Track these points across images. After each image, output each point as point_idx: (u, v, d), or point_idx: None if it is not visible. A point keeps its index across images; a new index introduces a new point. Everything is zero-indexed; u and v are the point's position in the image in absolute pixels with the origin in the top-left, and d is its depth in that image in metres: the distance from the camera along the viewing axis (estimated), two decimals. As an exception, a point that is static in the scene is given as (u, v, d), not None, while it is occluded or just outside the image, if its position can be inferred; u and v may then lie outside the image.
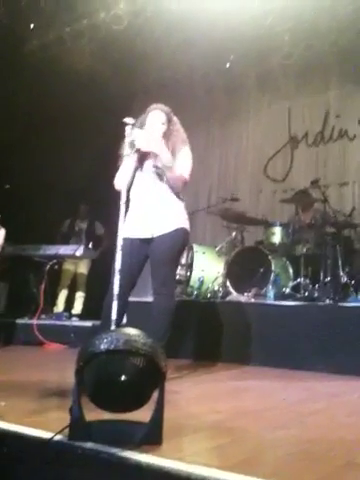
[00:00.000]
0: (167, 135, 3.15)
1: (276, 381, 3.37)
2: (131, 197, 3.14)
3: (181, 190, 3.18)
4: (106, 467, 1.54)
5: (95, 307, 3.84)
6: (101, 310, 3.01)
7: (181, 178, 3.12)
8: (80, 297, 6.42)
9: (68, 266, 6.36)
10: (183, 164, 3.13)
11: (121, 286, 2.58)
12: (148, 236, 3.10)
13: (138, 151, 2.99)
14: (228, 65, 6.52)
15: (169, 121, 3.17)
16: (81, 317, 6.13)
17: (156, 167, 3.10)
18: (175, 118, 3.23)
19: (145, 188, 3.14)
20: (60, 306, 6.29)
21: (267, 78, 6.74)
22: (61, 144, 6.32)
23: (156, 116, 3.15)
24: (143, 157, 3.12)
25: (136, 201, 3.15)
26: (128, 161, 3.00)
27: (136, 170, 3.12)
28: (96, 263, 6.19)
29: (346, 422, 2.20)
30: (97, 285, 5.83)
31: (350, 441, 1.85)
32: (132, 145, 2.92)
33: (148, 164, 3.14)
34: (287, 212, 5.89)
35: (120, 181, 3.03)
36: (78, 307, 6.38)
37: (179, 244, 3.17)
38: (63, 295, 6.36)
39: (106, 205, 6.16)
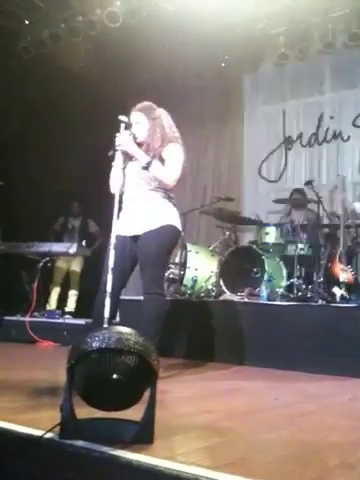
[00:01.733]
0: (150, 132, 3.10)
1: (268, 382, 3.37)
2: (124, 196, 3.14)
3: (170, 189, 3.13)
4: (97, 465, 1.53)
5: (89, 305, 3.82)
6: (93, 308, 3.00)
7: (168, 179, 3.06)
8: (73, 295, 6.41)
9: (61, 264, 6.34)
10: (170, 163, 3.07)
11: (113, 284, 2.58)
12: (135, 233, 3.10)
13: (121, 151, 2.97)
14: (223, 65, 6.52)
15: (148, 117, 3.11)
16: (74, 315, 6.11)
17: (142, 167, 3.05)
18: (158, 112, 3.16)
19: (132, 187, 3.14)
20: (52, 304, 6.27)
21: (262, 79, 6.76)
22: (54, 142, 6.31)
23: (134, 117, 3.12)
24: (129, 156, 3.09)
25: (126, 200, 3.15)
26: (116, 162, 2.98)
27: (124, 169, 3.10)
28: (89, 261, 6.17)
29: (337, 424, 2.20)
30: (90, 283, 5.82)
31: (341, 443, 1.86)
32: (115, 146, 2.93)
33: (134, 163, 3.12)
34: (281, 212, 5.90)
35: (112, 183, 3.07)
36: (71, 305, 6.37)
37: (166, 241, 3.10)
38: (55, 293, 6.34)
39: (99, 202, 6.14)
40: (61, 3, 5.69)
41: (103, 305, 2.55)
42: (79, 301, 6.35)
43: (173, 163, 3.09)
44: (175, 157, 3.10)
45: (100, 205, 6.10)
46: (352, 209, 5.18)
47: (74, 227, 6.59)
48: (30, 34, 6.12)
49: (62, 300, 6.38)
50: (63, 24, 5.96)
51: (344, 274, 4.47)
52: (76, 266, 6.40)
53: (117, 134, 2.93)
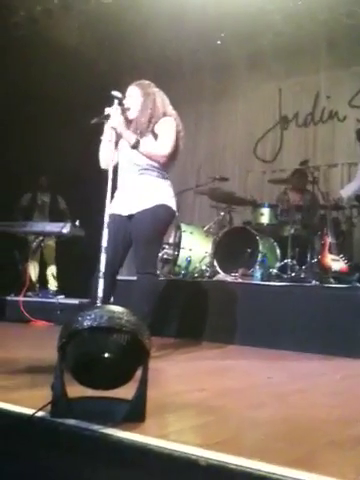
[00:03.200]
0: (141, 107, 3.06)
1: (260, 361, 3.39)
2: (118, 174, 3.12)
3: (163, 166, 3.07)
4: (88, 444, 1.53)
5: (81, 284, 3.81)
6: (86, 287, 3.00)
7: (158, 155, 3.01)
8: (51, 273, 6.22)
9: (51, 242, 6.19)
10: (161, 138, 3.02)
11: (107, 264, 2.57)
12: (130, 213, 3.07)
13: (113, 128, 2.92)
14: (219, 42, 6.43)
15: (142, 92, 3.08)
16: (66, 294, 6.07)
17: (131, 148, 3.01)
18: (153, 90, 3.12)
19: (125, 164, 3.11)
20: (34, 281, 6.01)
21: (258, 57, 6.67)
22: (34, 119, 6.09)
23: (130, 91, 3.10)
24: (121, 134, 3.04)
25: (120, 178, 3.13)
26: (105, 135, 2.98)
27: (116, 144, 3.05)
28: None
29: (328, 402, 2.22)
30: (70, 260, 5.76)
31: (331, 421, 1.87)
32: (106, 121, 2.90)
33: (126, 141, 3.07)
34: (276, 193, 5.88)
35: (102, 158, 3.08)
36: (53, 283, 6.20)
37: (160, 221, 3.07)
38: (34, 269, 6.07)
39: (67, 177, 6.03)
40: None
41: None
42: (67, 279, 6.20)
43: (164, 137, 3.03)
44: (167, 131, 3.04)
45: (68, 179, 6.01)
46: (339, 197, 5.16)
47: (44, 203, 6.35)
48: (23, 9, 5.99)
49: (42, 277, 6.21)
50: (56, -1, 5.84)
51: (337, 264, 4.46)
52: (50, 240, 6.10)
53: (107, 108, 2.89)
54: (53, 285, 6.21)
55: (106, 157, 2.98)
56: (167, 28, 6.10)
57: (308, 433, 1.68)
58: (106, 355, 1.63)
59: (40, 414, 1.61)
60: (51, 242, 6.16)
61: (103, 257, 2.56)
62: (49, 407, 1.62)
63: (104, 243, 2.59)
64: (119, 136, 3.01)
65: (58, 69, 6.03)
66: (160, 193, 3.09)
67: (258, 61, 6.70)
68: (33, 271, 6.05)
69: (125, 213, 3.08)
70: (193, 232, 5.35)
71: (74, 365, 1.66)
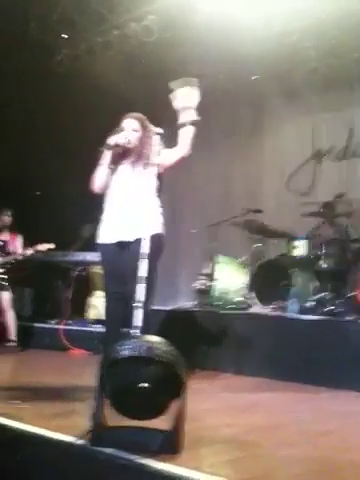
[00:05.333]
0: (143, 140, 3.13)
1: (292, 396, 3.34)
2: (111, 199, 3.17)
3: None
4: (125, 473, 1.58)
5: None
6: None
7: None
8: (96, 300, 6.27)
9: (97, 269, 6.24)
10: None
11: (117, 292, 2.83)
12: (126, 239, 3.03)
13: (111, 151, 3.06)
14: (253, 78, 6.56)
15: (143, 128, 3.18)
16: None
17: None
18: (150, 125, 3.20)
19: (124, 191, 3.11)
20: (93, 310, 5.91)
21: (292, 93, 6.75)
22: (84, 153, 6.32)
23: (127, 123, 3.19)
24: (120, 158, 3.13)
25: (115, 203, 3.15)
26: (104, 160, 3.09)
27: (112, 170, 3.14)
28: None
29: (358, 443, 2.19)
30: None
31: (360, 462, 1.85)
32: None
33: (126, 167, 3.13)
34: (310, 226, 5.87)
35: (98, 183, 3.17)
36: (93, 311, 6.22)
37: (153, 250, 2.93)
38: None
39: None
40: (97, 17, 5.80)
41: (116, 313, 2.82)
42: None
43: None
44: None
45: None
46: None
47: None
48: (67, 47, 6.25)
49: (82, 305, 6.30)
50: (99, 38, 6.08)
51: None
52: (98, 267, 6.17)
53: (112, 136, 3.07)
54: (92, 314, 6.26)
55: (102, 181, 3.14)
56: (205, 66, 6.25)
57: (336, 474, 1.68)
58: (144, 385, 1.68)
59: (80, 442, 1.67)
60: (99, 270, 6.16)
61: (143, 287, 2.60)
62: (89, 435, 1.68)
63: (143, 273, 2.64)
64: (119, 161, 3.13)
65: (99, 106, 6.24)
66: (155, 221, 3.06)
67: (292, 96, 6.77)
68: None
69: (125, 238, 3.03)
70: (228, 264, 5.39)
71: (113, 394, 1.71)
